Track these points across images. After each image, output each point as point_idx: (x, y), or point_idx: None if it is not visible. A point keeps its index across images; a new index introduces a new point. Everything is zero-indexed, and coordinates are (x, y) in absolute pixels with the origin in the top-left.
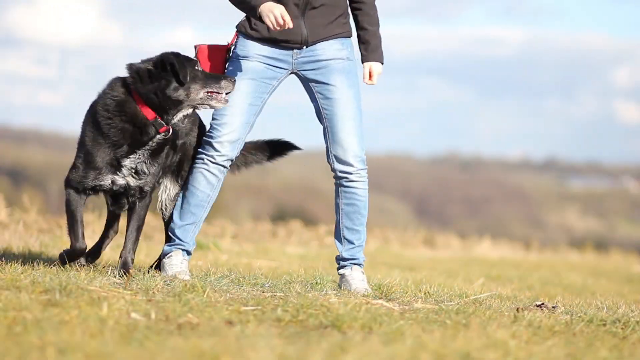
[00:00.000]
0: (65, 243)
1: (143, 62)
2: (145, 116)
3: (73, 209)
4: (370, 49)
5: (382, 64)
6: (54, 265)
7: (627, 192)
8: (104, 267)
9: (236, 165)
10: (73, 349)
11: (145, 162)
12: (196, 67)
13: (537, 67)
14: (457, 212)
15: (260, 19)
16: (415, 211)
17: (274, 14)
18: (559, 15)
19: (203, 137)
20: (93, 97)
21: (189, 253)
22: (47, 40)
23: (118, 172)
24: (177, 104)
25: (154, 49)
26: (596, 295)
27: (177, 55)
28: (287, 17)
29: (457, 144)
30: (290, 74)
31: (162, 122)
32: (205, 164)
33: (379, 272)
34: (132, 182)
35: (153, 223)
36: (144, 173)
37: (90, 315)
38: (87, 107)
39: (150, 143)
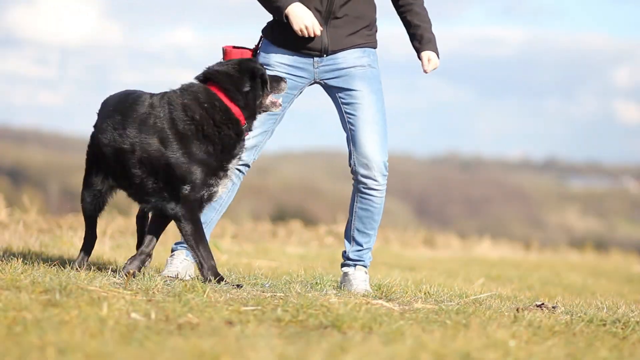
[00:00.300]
0: (65, 243)
1: (225, 66)
2: (240, 122)
3: (200, 229)
4: (424, 41)
5: (438, 56)
6: (54, 266)
7: (627, 192)
8: (104, 268)
9: None
10: (73, 349)
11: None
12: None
13: (537, 67)
14: (457, 212)
15: (284, 19)
16: (415, 211)
17: (306, 25)
18: (559, 15)
19: None
20: (93, 97)
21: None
22: (47, 40)
23: (220, 179)
24: (259, 110)
25: (154, 49)
26: (596, 296)
27: (249, 60)
28: (318, 28)
29: (457, 144)
30: (313, 83)
31: (249, 128)
32: None
33: (379, 272)
34: (222, 189)
35: None
36: (228, 177)
37: (90, 315)
38: (91, 109)
39: (239, 148)
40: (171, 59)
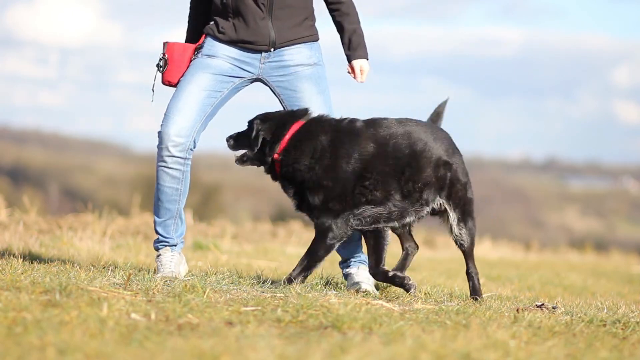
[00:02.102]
0: (65, 243)
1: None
2: None
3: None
4: (353, 47)
5: (367, 60)
6: (54, 266)
7: (627, 192)
8: (103, 268)
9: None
10: (73, 350)
11: None
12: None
13: (537, 67)
14: None
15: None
16: None
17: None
18: (559, 16)
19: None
20: (93, 97)
21: (175, 245)
22: (46, 40)
23: None
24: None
25: (154, 49)
26: (596, 296)
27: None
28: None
29: (457, 144)
30: (256, 80)
31: None
32: (164, 161)
33: None
34: None
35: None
36: None
37: (90, 316)
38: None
39: None
40: None
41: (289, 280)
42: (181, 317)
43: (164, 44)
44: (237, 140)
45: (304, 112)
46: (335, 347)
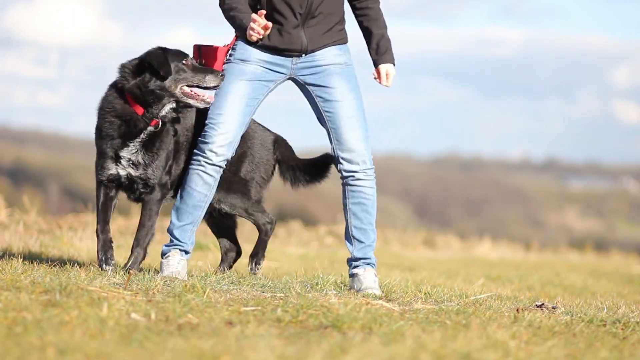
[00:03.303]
0: (65, 243)
1: (132, 59)
2: (134, 111)
3: (97, 201)
4: (380, 52)
5: (394, 65)
6: (54, 266)
7: (627, 192)
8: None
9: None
10: (73, 350)
11: (139, 154)
12: (184, 62)
13: (537, 67)
14: (457, 213)
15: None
16: (415, 211)
17: (251, 27)
18: (559, 16)
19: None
20: (93, 97)
21: (187, 252)
22: (46, 40)
23: (118, 164)
24: (159, 98)
25: None
26: (596, 296)
27: (163, 49)
28: (261, 22)
29: (457, 144)
30: (288, 79)
31: (152, 115)
32: (202, 165)
33: (378, 272)
34: (133, 172)
35: None
36: (139, 164)
37: (90, 316)
38: (90, 108)
39: (141, 135)
40: None
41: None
42: (181, 317)
43: (198, 47)
44: None
45: None
46: (335, 347)
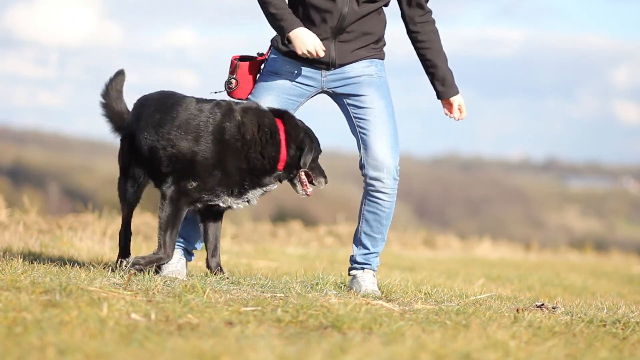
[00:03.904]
0: (65, 243)
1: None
2: (279, 165)
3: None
4: (447, 84)
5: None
6: (54, 266)
7: (627, 192)
8: (104, 268)
9: None
10: (73, 350)
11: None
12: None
13: (537, 67)
14: (457, 213)
15: (285, 41)
16: (415, 211)
17: (308, 49)
18: (559, 16)
19: None
20: (93, 97)
21: (189, 252)
22: (46, 40)
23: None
24: (289, 175)
25: (154, 49)
26: (596, 296)
27: (312, 140)
28: (321, 50)
29: (457, 144)
30: (321, 92)
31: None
32: None
33: (379, 272)
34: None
35: (153, 224)
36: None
37: (90, 316)
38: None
39: (265, 188)
40: (171, 60)
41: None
42: (181, 317)
43: (235, 63)
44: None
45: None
46: (335, 347)
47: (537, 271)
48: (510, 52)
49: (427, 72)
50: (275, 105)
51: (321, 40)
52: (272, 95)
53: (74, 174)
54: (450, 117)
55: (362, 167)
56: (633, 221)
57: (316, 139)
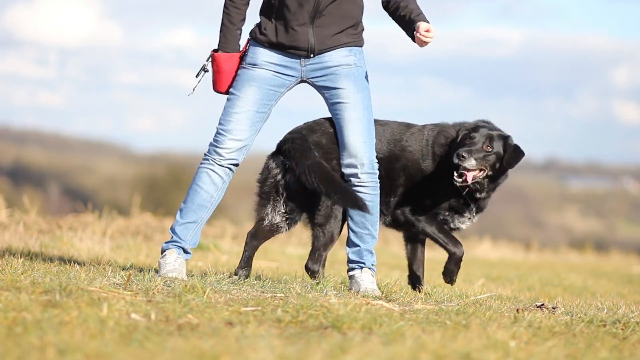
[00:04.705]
0: (65, 243)
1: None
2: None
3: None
4: (414, 14)
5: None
6: (54, 266)
7: (627, 192)
8: (103, 268)
9: None
10: (73, 350)
11: None
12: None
13: (537, 67)
14: None
15: (210, 55)
16: None
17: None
18: (559, 16)
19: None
20: (93, 97)
21: (185, 251)
22: (46, 40)
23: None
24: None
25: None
26: (596, 296)
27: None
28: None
29: None
30: (301, 82)
31: None
32: (211, 164)
33: (379, 272)
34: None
35: (153, 224)
36: None
37: (90, 316)
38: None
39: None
40: (171, 60)
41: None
42: (181, 317)
43: (211, 54)
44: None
45: None
46: (335, 348)
47: (537, 271)
48: (510, 52)
49: (399, 19)
50: (257, 95)
51: (299, 26)
52: (253, 86)
53: (74, 174)
54: (417, 40)
55: (340, 162)
56: (633, 221)
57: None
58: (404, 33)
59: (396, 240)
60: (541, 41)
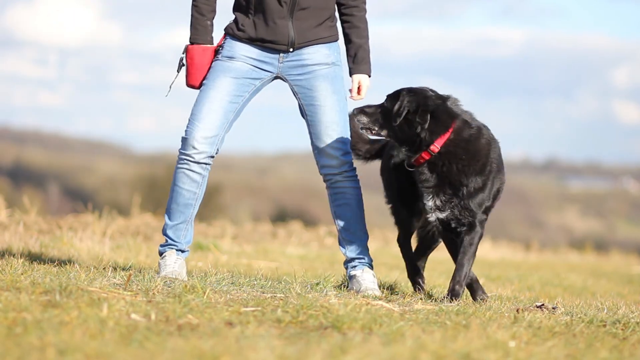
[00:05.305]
0: (65, 244)
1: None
2: None
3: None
4: (357, 61)
5: (370, 76)
6: (54, 266)
7: (627, 192)
8: (104, 268)
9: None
10: (73, 350)
11: None
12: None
13: (537, 67)
14: None
15: (185, 49)
16: None
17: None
18: (559, 16)
19: None
20: (93, 97)
21: (182, 251)
22: (46, 41)
23: None
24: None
25: (154, 50)
26: (596, 296)
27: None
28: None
29: None
30: (275, 78)
31: None
32: (187, 163)
33: (379, 272)
34: None
35: (153, 224)
36: None
37: (90, 316)
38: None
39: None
40: (171, 60)
41: (457, 291)
42: (181, 317)
43: (185, 47)
44: (370, 116)
45: (457, 104)
46: (335, 348)
47: (537, 271)
48: (510, 52)
49: (346, 47)
50: (231, 87)
51: (279, 18)
52: (228, 77)
53: (74, 174)
54: (349, 96)
55: (317, 163)
56: (633, 221)
57: None
58: (404, 33)
59: (396, 241)
60: (542, 41)
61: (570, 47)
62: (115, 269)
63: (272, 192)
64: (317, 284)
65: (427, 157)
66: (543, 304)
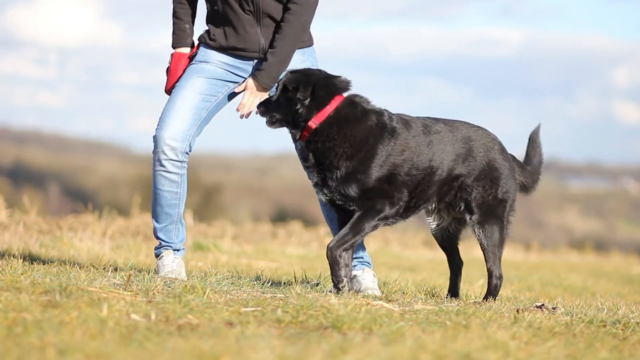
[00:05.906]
0: (65, 244)
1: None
2: None
3: None
4: (262, 65)
5: (264, 88)
6: (54, 267)
7: (627, 192)
8: (104, 268)
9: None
10: (73, 350)
11: None
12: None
13: (537, 67)
14: None
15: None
16: None
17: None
18: (558, 16)
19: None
20: (93, 97)
21: (178, 250)
22: (46, 41)
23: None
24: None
25: (154, 50)
26: (596, 296)
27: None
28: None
29: None
30: None
31: None
32: (162, 165)
33: (379, 272)
34: None
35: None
36: None
37: (90, 316)
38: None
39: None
40: None
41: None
42: (181, 317)
43: (171, 55)
44: (267, 106)
45: (347, 84)
46: (335, 348)
47: (537, 271)
48: (510, 52)
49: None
50: (203, 86)
51: (249, 27)
52: (200, 77)
53: (74, 174)
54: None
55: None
56: (633, 221)
57: None
58: (402, 33)
59: (396, 241)
60: (541, 41)
61: (570, 47)
62: (115, 269)
63: (272, 192)
64: (317, 284)
65: (307, 135)
66: (543, 304)
